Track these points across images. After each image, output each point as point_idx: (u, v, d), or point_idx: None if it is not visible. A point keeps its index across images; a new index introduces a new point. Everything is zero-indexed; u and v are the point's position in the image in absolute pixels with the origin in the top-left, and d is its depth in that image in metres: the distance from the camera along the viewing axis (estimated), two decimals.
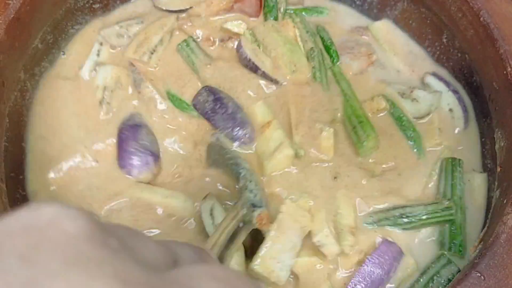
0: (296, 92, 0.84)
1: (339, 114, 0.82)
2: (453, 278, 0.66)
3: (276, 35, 0.89)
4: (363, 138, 0.76)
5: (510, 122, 0.68)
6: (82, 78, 0.83)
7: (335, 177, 0.76)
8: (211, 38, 0.88)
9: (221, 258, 0.58)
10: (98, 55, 0.85)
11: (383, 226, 0.72)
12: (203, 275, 0.25)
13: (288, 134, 0.79)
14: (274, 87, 0.84)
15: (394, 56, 0.90)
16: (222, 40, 0.88)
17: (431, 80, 0.85)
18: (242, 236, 0.65)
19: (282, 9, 0.94)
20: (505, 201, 0.62)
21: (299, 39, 0.90)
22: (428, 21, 0.87)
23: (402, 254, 0.69)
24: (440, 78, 0.85)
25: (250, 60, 0.83)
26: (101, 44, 0.86)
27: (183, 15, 0.91)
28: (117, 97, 0.82)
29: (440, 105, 0.83)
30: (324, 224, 0.71)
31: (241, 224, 0.65)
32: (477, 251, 0.60)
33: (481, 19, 0.72)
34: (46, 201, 0.22)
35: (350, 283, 0.67)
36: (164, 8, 0.91)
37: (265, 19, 0.93)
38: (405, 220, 0.71)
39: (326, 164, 0.77)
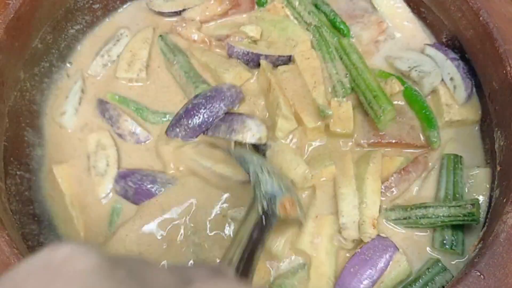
0: (304, 61, 0.82)
1: (349, 88, 0.80)
2: (447, 285, 0.65)
3: (263, 23, 0.88)
4: (380, 113, 0.74)
5: (510, 122, 0.68)
6: (66, 129, 0.83)
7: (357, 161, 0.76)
8: (207, 40, 0.88)
9: (245, 272, 0.56)
10: (79, 103, 0.84)
11: (401, 225, 0.72)
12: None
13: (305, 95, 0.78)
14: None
15: (398, 25, 0.88)
16: (219, 40, 0.87)
17: (431, 51, 0.84)
18: (266, 237, 0.62)
19: None
20: (504, 200, 0.62)
21: (290, 14, 0.89)
22: (428, 21, 0.87)
23: (395, 249, 0.70)
24: (439, 48, 0.84)
25: (248, 53, 0.83)
26: (82, 91, 0.85)
27: (175, 18, 0.91)
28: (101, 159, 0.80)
29: (442, 78, 0.81)
30: (355, 210, 0.71)
31: (263, 222, 0.62)
32: (477, 250, 0.60)
33: (481, 18, 0.72)
34: (62, 242, 0.25)
35: (341, 276, 0.69)
36: (157, 10, 0.91)
37: (258, 4, 0.91)
38: (426, 221, 0.70)
39: (350, 142, 0.78)
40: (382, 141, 0.78)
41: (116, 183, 0.77)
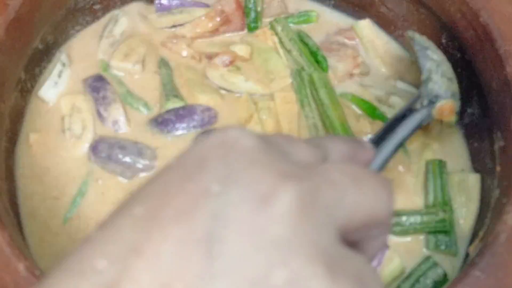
0: (283, 105, 0.82)
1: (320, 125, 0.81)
2: (438, 281, 0.68)
3: (252, 48, 0.88)
4: None
5: (509, 122, 0.68)
6: (45, 101, 0.81)
7: None
8: (196, 56, 0.88)
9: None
10: (59, 76, 0.82)
11: None
12: (339, 169, 0.31)
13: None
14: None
15: (376, 57, 0.90)
16: (209, 57, 0.87)
17: (402, 85, 0.86)
18: (412, 134, 0.64)
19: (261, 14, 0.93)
20: (504, 201, 0.62)
21: (278, 46, 0.89)
22: (427, 22, 0.87)
23: (386, 247, 0.70)
24: (410, 84, 0.85)
25: (220, 87, 0.83)
26: (63, 64, 0.83)
27: (168, 31, 0.90)
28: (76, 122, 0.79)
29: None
30: None
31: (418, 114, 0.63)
32: (477, 250, 0.60)
33: (481, 19, 0.72)
34: (229, 127, 0.32)
35: None
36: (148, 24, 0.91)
37: (248, 29, 0.92)
38: (399, 229, 0.72)
39: None
40: None
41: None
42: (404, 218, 0.72)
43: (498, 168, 0.70)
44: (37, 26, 0.78)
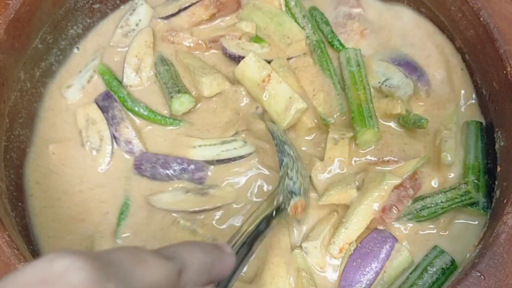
0: (302, 68, 0.82)
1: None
2: (446, 267, 0.67)
3: (261, 13, 0.87)
4: (355, 135, 0.74)
5: (510, 122, 0.68)
6: (66, 100, 0.83)
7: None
8: (201, 43, 0.87)
9: (241, 258, 0.56)
10: (89, 81, 0.84)
11: (405, 221, 0.72)
12: None
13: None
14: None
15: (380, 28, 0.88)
16: (213, 41, 0.86)
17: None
18: (272, 225, 0.63)
19: None
20: (505, 201, 0.62)
21: (283, 7, 0.88)
22: (428, 21, 0.87)
23: (394, 240, 0.70)
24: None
25: (238, 56, 0.82)
26: (94, 71, 0.84)
27: (166, 22, 0.89)
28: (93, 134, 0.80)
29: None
30: (319, 236, 0.70)
31: (273, 213, 0.63)
32: (477, 250, 0.60)
33: (481, 19, 0.72)
34: (58, 253, 0.26)
35: (344, 271, 0.69)
36: (157, 17, 0.89)
37: None
38: (426, 212, 0.71)
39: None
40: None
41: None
42: (428, 200, 0.71)
43: (498, 169, 0.70)
44: (37, 26, 0.78)
